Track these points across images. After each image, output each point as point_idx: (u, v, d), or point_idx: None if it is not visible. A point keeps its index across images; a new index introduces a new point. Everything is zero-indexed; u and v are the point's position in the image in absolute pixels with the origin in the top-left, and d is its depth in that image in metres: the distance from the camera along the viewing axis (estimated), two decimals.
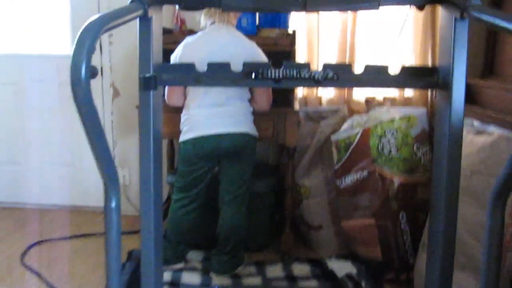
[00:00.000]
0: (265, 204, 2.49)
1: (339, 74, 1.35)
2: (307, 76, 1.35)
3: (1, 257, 2.49)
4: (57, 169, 3.18)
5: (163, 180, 2.67)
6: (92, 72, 2.92)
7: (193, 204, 2.24)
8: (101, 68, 2.99)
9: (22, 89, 3.08)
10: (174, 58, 2.10)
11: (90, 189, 3.14)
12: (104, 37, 2.96)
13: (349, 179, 2.23)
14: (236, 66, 1.37)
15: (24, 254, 2.53)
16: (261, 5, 1.33)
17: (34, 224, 2.98)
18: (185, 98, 2.15)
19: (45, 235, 2.79)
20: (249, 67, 1.39)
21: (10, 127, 3.17)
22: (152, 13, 1.26)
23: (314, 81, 1.34)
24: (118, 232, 1.18)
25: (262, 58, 2.07)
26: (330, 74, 1.35)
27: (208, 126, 2.06)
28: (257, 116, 2.19)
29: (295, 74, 1.36)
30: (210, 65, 1.40)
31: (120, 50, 2.96)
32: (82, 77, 0.96)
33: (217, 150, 2.09)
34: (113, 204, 1.17)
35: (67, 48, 3.00)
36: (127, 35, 2.71)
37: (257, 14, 2.55)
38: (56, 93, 3.04)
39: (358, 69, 1.34)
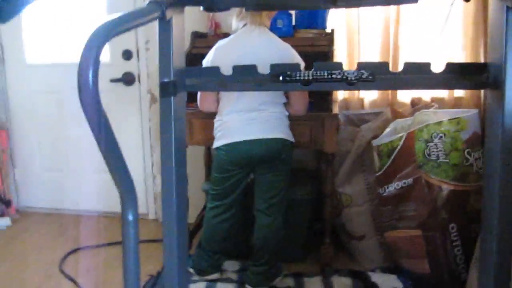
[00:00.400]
0: (303, 212, 2.37)
1: (375, 74, 1.23)
2: (339, 77, 1.23)
3: (41, 263, 2.52)
4: (97, 176, 3.20)
5: (199, 187, 2.62)
6: (128, 79, 2.90)
7: (228, 212, 2.17)
8: (138, 75, 2.99)
9: (63, 98, 3.13)
10: (206, 62, 2.03)
11: None
12: (141, 43, 2.96)
13: (392, 187, 2.08)
14: (265, 69, 1.28)
15: (63, 260, 2.55)
16: (288, 2, 1.24)
17: (75, 230, 3.02)
18: (218, 103, 2.08)
19: (85, 241, 2.80)
20: (277, 69, 1.29)
21: (53, 135, 3.23)
22: (172, 14, 1.19)
23: (347, 82, 1.23)
24: (135, 246, 1.12)
25: (297, 60, 1.97)
26: (365, 75, 1.23)
27: (241, 132, 1.98)
28: (294, 121, 2.09)
29: (326, 76, 1.25)
30: (236, 69, 1.32)
31: (157, 56, 2.93)
32: (89, 83, 0.90)
33: (251, 157, 2.00)
34: (130, 217, 1.11)
35: (106, 55, 3.01)
36: None
37: (293, 15, 2.45)
38: None
39: (395, 68, 1.22)
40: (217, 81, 1.32)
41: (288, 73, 1.27)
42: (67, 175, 3.27)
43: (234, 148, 1.99)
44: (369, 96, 2.67)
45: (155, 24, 1.24)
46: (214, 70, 1.33)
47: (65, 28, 3.08)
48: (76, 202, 3.28)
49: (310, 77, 1.25)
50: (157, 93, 2.95)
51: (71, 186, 3.26)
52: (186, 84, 1.31)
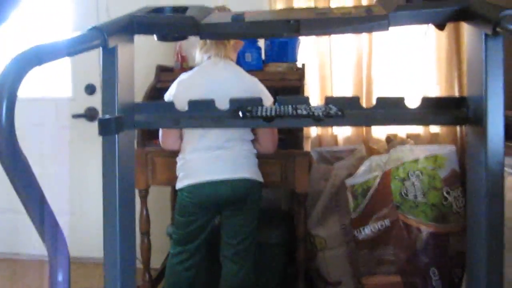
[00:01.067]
0: (275, 256, 2.21)
1: (345, 110, 1.11)
2: (305, 113, 1.11)
3: None
4: (58, 218, 2.98)
5: (163, 231, 2.43)
6: (92, 114, 2.71)
7: (192, 259, 1.99)
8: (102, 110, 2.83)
9: (21, 134, 2.94)
10: (168, 96, 1.90)
11: (92, 239, 2.92)
12: None
13: (368, 229, 1.95)
14: (225, 104, 1.16)
15: None
16: (247, 30, 1.12)
17: (31, 277, 2.77)
18: (181, 140, 1.94)
19: None
20: (237, 104, 1.17)
21: None
22: (117, 43, 1.06)
23: (314, 119, 1.10)
24: None
25: (265, 95, 1.85)
26: (333, 110, 1.11)
27: (205, 172, 1.83)
28: (263, 159, 1.95)
29: (290, 111, 1.12)
30: (192, 104, 1.19)
31: None
32: (1, 120, 0.75)
33: (216, 199, 1.85)
34: (60, 278, 0.94)
35: (68, 90, 2.87)
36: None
37: (263, 48, 2.35)
38: (56, 137, 2.90)
39: (369, 103, 1.11)
40: (171, 118, 1.19)
41: (249, 108, 1.15)
42: (25, 217, 3.03)
43: (198, 190, 1.84)
44: (342, 132, 2.57)
45: None
46: (167, 105, 1.20)
47: None
48: (34, 246, 3.04)
49: (273, 113, 1.13)
50: None
51: (30, 229, 3.02)
52: (136, 120, 1.17)
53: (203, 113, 1.18)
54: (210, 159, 1.83)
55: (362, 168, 2.02)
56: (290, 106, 1.13)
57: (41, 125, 2.90)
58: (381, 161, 2.03)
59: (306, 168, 2.03)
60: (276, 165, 2.04)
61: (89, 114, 2.84)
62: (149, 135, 2.19)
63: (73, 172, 2.88)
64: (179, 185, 1.90)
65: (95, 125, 2.86)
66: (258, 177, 1.90)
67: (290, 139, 2.09)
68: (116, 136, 1.06)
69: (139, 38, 1.13)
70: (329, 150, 2.42)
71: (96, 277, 2.75)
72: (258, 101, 1.16)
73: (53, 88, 2.91)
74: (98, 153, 2.91)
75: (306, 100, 1.15)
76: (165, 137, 1.93)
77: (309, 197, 2.17)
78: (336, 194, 2.17)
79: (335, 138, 2.59)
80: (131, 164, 1.16)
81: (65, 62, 2.86)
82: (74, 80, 2.86)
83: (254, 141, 1.93)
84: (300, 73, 2.32)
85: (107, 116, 1.04)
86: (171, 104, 1.19)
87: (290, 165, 2.04)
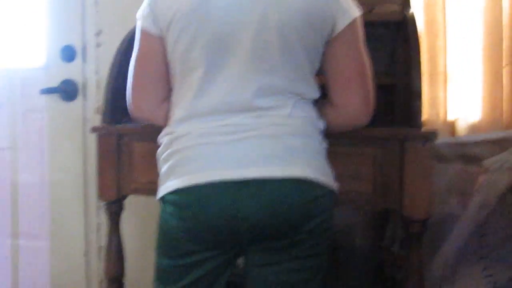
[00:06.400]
0: None
1: None
2: None
3: None
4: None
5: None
6: (69, 90, 1.73)
7: None
8: (83, 84, 1.91)
9: None
10: (143, 11, 0.93)
11: (74, 274, 1.98)
12: (90, 36, 1.91)
13: None
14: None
15: None
16: None
17: None
18: (167, 99, 0.95)
19: None
20: None
21: None
22: None
23: None
24: None
25: (346, 7, 0.87)
26: None
27: (212, 162, 0.82)
28: (334, 143, 0.93)
29: None
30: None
31: (112, 55, 1.87)
32: None
33: (237, 223, 0.83)
34: None
35: (37, 54, 2.00)
36: (123, 30, 1.63)
37: None
38: (23, 124, 2.06)
39: None
40: None
41: None
42: None
43: (199, 200, 0.83)
44: (464, 114, 1.51)
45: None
46: None
47: None
48: None
49: None
50: None
51: None
52: None
53: None
54: (225, 133, 0.83)
55: None
56: None
57: (2, 106, 2.06)
58: None
59: (430, 168, 0.97)
60: (366, 159, 1.00)
61: (65, 89, 1.92)
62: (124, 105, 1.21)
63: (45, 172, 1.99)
64: (161, 190, 0.90)
65: (72, 105, 1.92)
66: (328, 178, 0.87)
67: (394, 105, 1.05)
68: None
69: None
70: (448, 142, 1.36)
71: None
72: None
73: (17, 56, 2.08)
74: (75, 146, 1.94)
75: None
76: (137, 90, 0.93)
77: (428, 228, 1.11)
78: (486, 221, 1.10)
79: (450, 125, 1.54)
80: None
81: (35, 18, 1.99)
82: (46, 39, 1.97)
83: (322, 103, 0.91)
84: None
85: None
86: None
87: (396, 159, 0.99)
